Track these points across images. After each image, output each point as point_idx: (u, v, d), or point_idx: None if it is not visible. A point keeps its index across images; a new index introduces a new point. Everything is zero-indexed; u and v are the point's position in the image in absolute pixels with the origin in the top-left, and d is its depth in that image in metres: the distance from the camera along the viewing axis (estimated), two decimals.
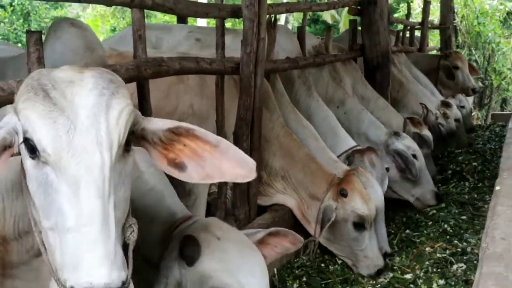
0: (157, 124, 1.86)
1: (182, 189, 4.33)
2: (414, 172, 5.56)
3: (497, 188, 3.13)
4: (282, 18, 27.81)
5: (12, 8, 22.64)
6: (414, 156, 5.73)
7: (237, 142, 4.07)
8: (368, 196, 4.45)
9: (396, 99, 7.79)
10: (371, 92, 6.59)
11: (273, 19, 4.84)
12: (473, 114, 15.05)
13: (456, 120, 8.69)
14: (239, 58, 4.05)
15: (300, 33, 5.62)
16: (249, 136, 4.09)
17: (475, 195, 6.17)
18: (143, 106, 3.34)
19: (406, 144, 5.78)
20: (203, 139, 1.83)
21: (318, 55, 5.69)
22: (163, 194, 2.63)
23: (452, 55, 9.92)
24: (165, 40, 5.65)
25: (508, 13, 16.65)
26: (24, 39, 24.00)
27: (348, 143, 5.23)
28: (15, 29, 23.89)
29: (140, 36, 3.27)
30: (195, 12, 3.65)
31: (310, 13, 28.12)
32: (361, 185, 4.46)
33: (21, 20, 23.81)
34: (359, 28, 7.27)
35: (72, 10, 25.33)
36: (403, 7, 19.13)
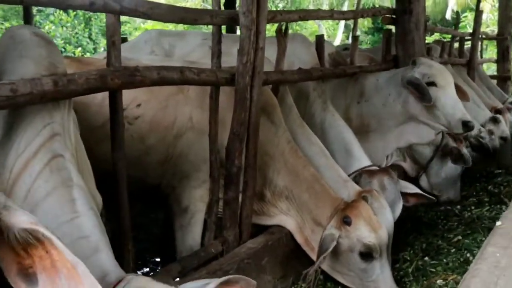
0: (14, 218, 1.52)
1: (177, 205, 4.11)
2: (428, 97, 5.07)
3: (498, 223, 2.72)
4: (340, 28, 27.41)
5: (74, 13, 23.19)
6: (431, 83, 5.23)
7: (228, 158, 3.81)
8: (378, 223, 4.04)
9: None
10: None
11: (283, 27, 4.54)
12: None
13: (503, 138, 8.13)
14: (235, 68, 3.78)
15: (319, 42, 5.29)
16: (242, 153, 3.81)
17: None
18: (115, 119, 3.13)
19: (421, 71, 5.28)
20: (62, 253, 1.53)
21: (337, 65, 5.34)
22: (97, 246, 2.22)
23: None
24: (178, 48, 5.45)
25: None
26: (84, 43, 24.70)
27: (362, 162, 4.84)
28: (76, 33, 24.52)
29: (114, 43, 3.05)
30: (181, 18, 3.40)
31: (370, 21, 27.68)
32: (369, 211, 4.04)
33: (82, 25, 24.42)
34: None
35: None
36: (465, 16, 18.45)
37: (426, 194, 4.82)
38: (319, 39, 5.30)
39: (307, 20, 5.46)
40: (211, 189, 3.89)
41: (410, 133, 5.43)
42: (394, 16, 6.74)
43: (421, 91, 5.10)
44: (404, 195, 4.70)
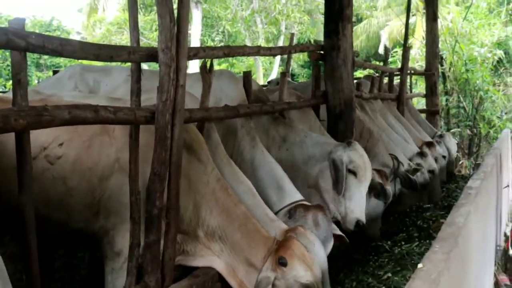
0: None
1: (110, 248, 3.90)
2: (339, 189, 5.16)
3: (420, 265, 2.66)
4: (276, 62, 27.76)
5: None
6: (353, 171, 5.30)
7: (149, 199, 3.64)
8: (311, 259, 3.95)
9: (365, 150, 7.39)
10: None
11: (208, 63, 4.46)
12: (461, 162, 14.65)
13: (430, 171, 8.29)
14: (155, 107, 3.65)
15: (246, 79, 5.23)
16: (163, 193, 3.65)
17: None
18: (22, 161, 2.94)
19: (350, 156, 5.32)
20: None
21: (259, 102, 5.29)
22: None
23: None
24: (103, 83, 5.30)
25: (498, 61, 16.41)
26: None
27: (293, 196, 4.77)
28: (8, 65, 23.89)
29: (19, 81, 2.88)
30: (95, 55, 3.25)
31: (305, 55, 28.16)
32: (301, 248, 3.90)
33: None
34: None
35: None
36: (396, 52, 18.94)
37: (344, 236, 4.76)
38: (247, 75, 5.24)
39: (232, 56, 5.39)
40: (131, 232, 3.70)
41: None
42: (322, 52, 6.79)
43: (339, 179, 5.20)
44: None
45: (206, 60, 4.44)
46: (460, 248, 3.09)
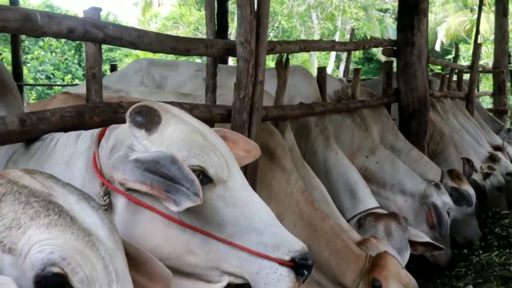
0: None
1: None
2: (444, 233, 4.92)
3: None
4: (331, 58, 27.30)
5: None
6: (448, 214, 5.09)
7: None
8: (407, 277, 3.48)
9: (435, 152, 6.99)
10: (403, 143, 5.83)
11: (284, 58, 4.19)
12: None
13: (508, 174, 7.80)
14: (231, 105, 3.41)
15: (321, 75, 4.93)
16: None
17: None
18: None
19: (444, 199, 5.14)
20: None
21: (340, 100, 4.99)
22: None
23: None
24: (170, 79, 5.09)
25: None
26: (73, 69, 24.42)
27: (367, 203, 4.47)
28: (66, 59, 24.23)
29: (94, 75, 2.67)
30: (172, 48, 3.02)
31: (361, 51, 27.59)
32: (397, 266, 3.50)
33: (72, 51, 24.16)
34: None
35: None
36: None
37: (435, 243, 4.42)
38: (321, 72, 4.95)
39: (308, 51, 5.12)
40: None
41: None
42: (395, 48, 6.44)
43: (443, 224, 5.00)
44: (413, 243, 4.30)
45: (282, 55, 4.17)
46: None
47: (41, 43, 23.07)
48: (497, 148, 8.75)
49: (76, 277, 1.23)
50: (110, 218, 1.42)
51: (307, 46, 4.61)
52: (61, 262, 1.22)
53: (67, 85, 17.89)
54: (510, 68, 13.75)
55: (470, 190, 5.88)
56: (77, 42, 23.01)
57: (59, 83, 20.82)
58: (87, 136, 2.18)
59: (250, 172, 3.46)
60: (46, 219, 1.25)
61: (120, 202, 1.95)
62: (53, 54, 23.81)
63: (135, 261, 1.49)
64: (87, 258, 1.25)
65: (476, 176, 6.71)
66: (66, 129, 2.37)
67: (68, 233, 1.25)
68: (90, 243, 1.27)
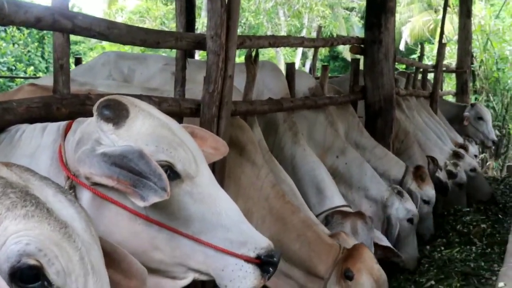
0: None
1: None
2: (391, 241, 4.91)
3: (500, 284, 2.38)
4: (298, 55, 27.37)
5: (28, 30, 22.47)
6: (411, 220, 5.18)
7: None
8: (379, 272, 3.52)
9: (400, 150, 7.06)
10: (368, 140, 5.88)
11: (253, 53, 4.18)
12: (488, 163, 14.27)
13: (472, 170, 7.95)
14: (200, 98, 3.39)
15: (289, 71, 4.94)
16: None
17: (482, 263, 5.42)
18: None
19: (406, 206, 5.22)
20: None
21: (308, 97, 5.01)
22: None
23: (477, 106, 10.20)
24: (138, 72, 5.03)
25: None
26: (36, 62, 23.90)
27: (334, 201, 4.48)
28: (29, 51, 23.72)
29: (61, 66, 2.62)
30: (142, 40, 2.99)
31: (327, 49, 27.76)
32: (372, 260, 3.52)
33: (36, 44, 23.66)
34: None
35: None
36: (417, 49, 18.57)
37: (395, 250, 4.43)
38: (290, 68, 4.96)
39: (277, 47, 5.13)
40: None
41: None
42: (362, 46, 6.49)
43: (391, 235, 5.13)
44: (374, 245, 4.33)
45: (252, 49, 4.16)
46: None
47: (3, 34, 22.52)
48: (461, 146, 8.90)
49: (52, 269, 1.22)
50: (86, 212, 1.40)
51: (276, 41, 4.61)
52: (37, 253, 1.20)
53: (30, 77, 17.54)
54: (472, 68, 14.02)
55: (430, 192, 5.98)
56: (41, 34, 22.46)
57: (21, 75, 20.36)
58: (53, 129, 2.14)
59: (219, 168, 3.45)
60: (23, 210, 1.23)
61: (85, 196, 1.93)
62: (16, 45, 23.30)
63: (111, 257, 1.48)
64: (64, 249, 1.24)
65: (441, 174, 6.80)
66: (32, 121, 2.33)
67: (45, 224, 1.23)
68: (66, 235, 1.26)
